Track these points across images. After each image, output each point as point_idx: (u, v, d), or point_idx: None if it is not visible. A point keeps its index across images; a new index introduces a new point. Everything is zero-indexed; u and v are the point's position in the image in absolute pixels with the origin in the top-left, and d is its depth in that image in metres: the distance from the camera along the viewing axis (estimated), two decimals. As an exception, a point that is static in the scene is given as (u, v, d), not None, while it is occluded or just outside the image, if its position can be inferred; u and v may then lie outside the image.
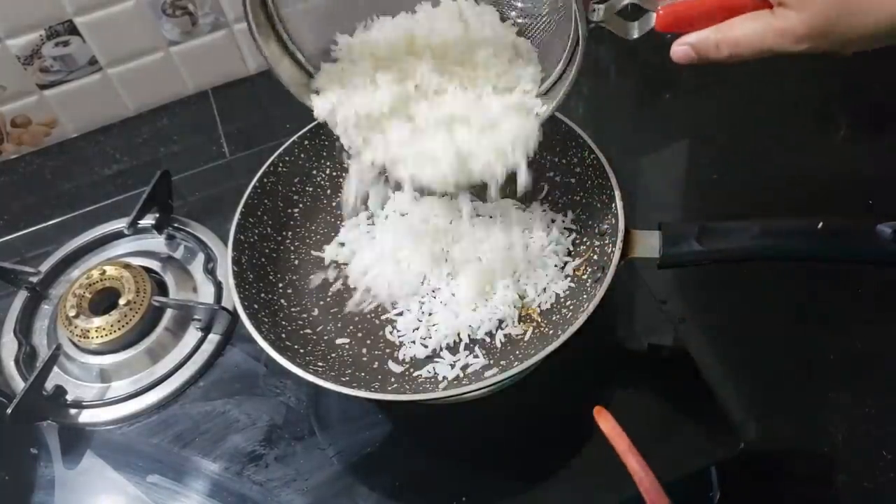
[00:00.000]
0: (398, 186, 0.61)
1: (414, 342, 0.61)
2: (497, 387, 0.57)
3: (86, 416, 0.65)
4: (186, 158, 0.87)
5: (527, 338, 0.60)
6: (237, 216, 0.65)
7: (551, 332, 0.60)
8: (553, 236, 0.64)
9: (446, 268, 0.63)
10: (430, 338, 0.61)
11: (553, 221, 0.66)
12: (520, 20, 0.58)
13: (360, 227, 0.69)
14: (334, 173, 0.73)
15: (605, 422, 0.50)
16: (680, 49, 0.47)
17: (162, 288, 0.72)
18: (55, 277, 0.76)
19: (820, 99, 0.83)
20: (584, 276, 0.62)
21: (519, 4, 0.58)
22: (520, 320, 0.62)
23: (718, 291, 0.67)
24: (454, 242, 0.64)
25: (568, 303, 0.61)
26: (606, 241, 0.60)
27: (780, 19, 0.43)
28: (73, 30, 0.84)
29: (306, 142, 0.71)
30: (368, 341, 0.63)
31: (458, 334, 0.60)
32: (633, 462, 0.48)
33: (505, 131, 0.56)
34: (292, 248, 0.69)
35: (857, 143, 0.79)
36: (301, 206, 0.71)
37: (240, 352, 0.68)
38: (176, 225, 0.78)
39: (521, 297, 0.62)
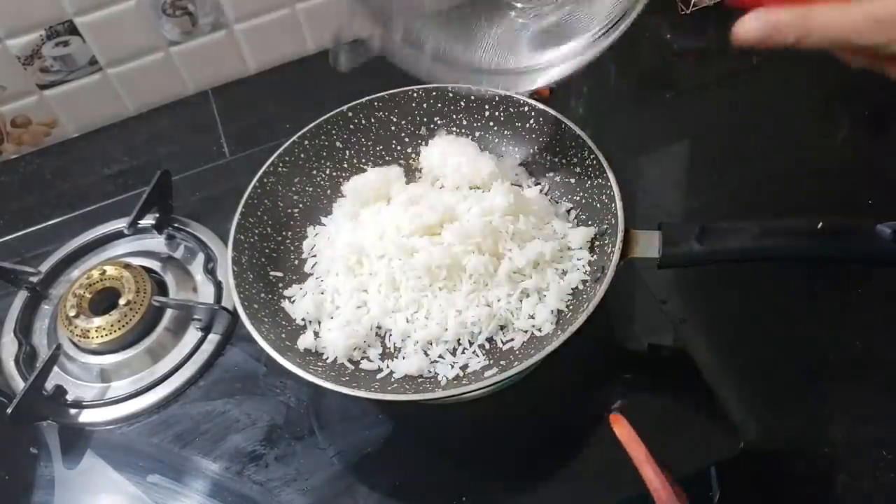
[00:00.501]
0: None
1: (415, 351, 0.60)
2: (497, 387, 0.57)
3: (86, 416, 0.65)
4: (186, 158, 0.87)
5: (527, 338, 0.60)
6: (237, 216, 0.65)
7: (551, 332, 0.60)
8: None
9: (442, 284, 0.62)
10: (431, 344, 0.60)
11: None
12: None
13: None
14: (334, 173, 0.73)
15: (622, 428, 0.49)
16: (753, 25, 0.41)
17: (162, 288, 0.72)
18: (55, 277, 0.76)
19: (820, 99, 0.83)
20: (584, 277, 0.62)
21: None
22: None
23: (718, 291, 0.67)
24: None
25: (568, 303, 0.61)
26: (606, 241, 0.60)
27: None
28: (73, 30, 0.84)
29: (306, 142, 0.71)
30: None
31: (458, 340, 0.60)
32: (650, 472, 0.46)
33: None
34: (292, 248, 0.69)
35: (857, 143, 0.79)
36: (301, 206, 0.71)
37: (240, 352, 0.68)
38: (176, 225, 0.78)
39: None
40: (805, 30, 0.40)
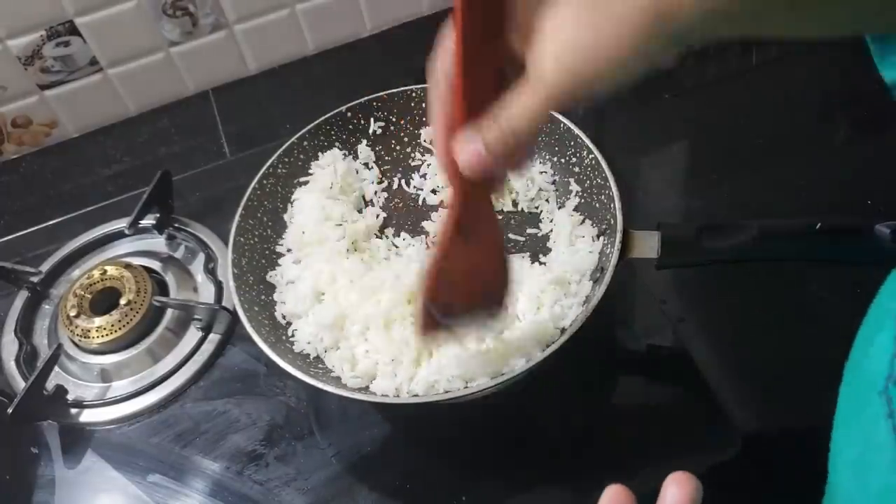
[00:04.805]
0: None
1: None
2: (496, 387, 0.57)
3: (86, 416, 0.65)
4: (187, 158, 0.87)
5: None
6: (237, 218, 0.65)
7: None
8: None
9: None
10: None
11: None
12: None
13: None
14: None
15: None
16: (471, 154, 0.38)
17: (162, 288, 0.72)
18: (56, 277, 0.77)
19: (820, 99, 0.83)
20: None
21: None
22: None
23: (718, 291, 0.67)
24: None
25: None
26: (605, 242, 0.60)
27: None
28: (73, 30, 0.84)
29: (305, 142, 0.71)
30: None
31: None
32: None
33: None
34: (292, 248, 0.69)
35: (857, 143, 0.79)
36: (301, 206, 0.71)
37: (240, 351, 0.68)
38: (176, 225, 0.78)
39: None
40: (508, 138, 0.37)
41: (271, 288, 0.65)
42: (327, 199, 0.68)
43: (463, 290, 0.49)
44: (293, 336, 0.60)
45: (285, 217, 0.69)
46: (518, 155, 0.40)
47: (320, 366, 0.59)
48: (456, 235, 0.45)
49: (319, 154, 0.72)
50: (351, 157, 0.73)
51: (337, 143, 0.73)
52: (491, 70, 0.38)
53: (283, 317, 0.62)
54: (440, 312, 0.48)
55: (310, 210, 0.67)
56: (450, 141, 0.39)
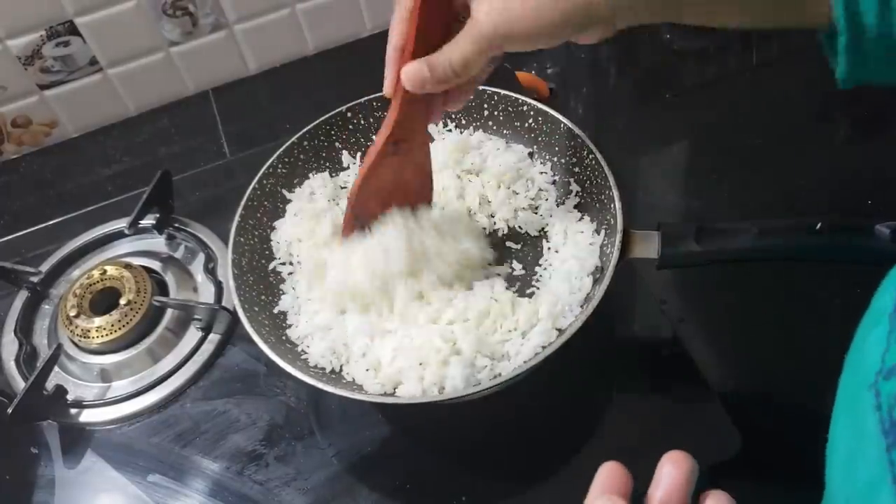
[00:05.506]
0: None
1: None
2: (497, 387, 0.57)
3: (86, 416, 0.65)
4: (187, 158, 0.87)
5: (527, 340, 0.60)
6: (237, 218, 0.65)
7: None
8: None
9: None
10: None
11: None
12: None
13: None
14: (333, 174, 0.73)
15: None
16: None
17: (162, 288, 0.73)
18: (56, 277, 0.77)
19: (820, 99, 0.83)
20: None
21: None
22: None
23: (718, 291, 0.67)
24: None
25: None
26: (605, 242, 0.60)
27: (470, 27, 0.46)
28: (73, 30, 0.84)
29: (305, 143, 0.71)
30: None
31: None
32: None
33: None
34: (292, 248, 0.69)
35: (857, 143, 0.79)
36: (301, 206, 0.71)
37: (240, 351, 0.68)
38: (176, 225, 0.78)
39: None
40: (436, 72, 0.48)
41: (271, 288, 0.65)
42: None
43: (387, 197, 0.57)
44: (304, 353, 0.60)
45: (273, 234, 0.68)
46: (451, 86, 0.50)
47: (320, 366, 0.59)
48: (385, 150, 0.54)
49: (312, 169, 0.71)
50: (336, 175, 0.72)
51: (335, 152, 0.73)
52: (441, 18, 0.49)
53: (297, 338, 0.61)
54: (364, 216, 0.58)
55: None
56: (400, 63, 0.49)
